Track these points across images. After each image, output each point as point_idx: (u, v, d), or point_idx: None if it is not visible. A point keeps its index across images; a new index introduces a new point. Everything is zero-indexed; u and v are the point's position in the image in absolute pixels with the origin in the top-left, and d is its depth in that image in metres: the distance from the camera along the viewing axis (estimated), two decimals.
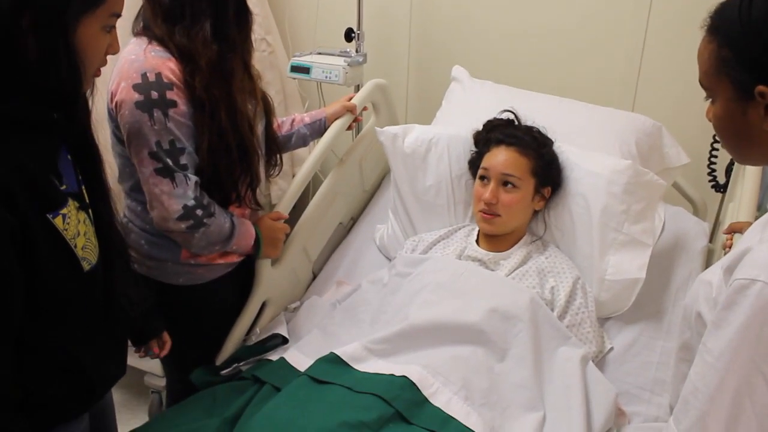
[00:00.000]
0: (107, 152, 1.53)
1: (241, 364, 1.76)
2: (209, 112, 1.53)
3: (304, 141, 2.01)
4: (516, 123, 1.94)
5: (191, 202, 1.53)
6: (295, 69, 2.44)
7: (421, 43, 2.60)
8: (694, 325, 1.13)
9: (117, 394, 2.52)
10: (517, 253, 1.83)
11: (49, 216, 1.07)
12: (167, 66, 1.49)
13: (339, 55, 2.44)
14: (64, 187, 1.14)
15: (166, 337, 1.64)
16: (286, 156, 2.64)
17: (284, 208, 1.89)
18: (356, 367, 1.57)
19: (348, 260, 2.14)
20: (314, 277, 2.14)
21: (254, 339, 1.86)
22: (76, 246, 1.14)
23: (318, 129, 2.01)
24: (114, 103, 1.51)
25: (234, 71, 1.57)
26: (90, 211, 1.21)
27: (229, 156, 1.58)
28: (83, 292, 1.20)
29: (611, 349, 1.75)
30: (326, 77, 2.37)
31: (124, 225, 1.70)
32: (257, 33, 2.63)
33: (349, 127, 2.08)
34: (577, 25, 2.32)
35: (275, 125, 1.93)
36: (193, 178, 1.54)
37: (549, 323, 1.67)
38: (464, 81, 2.27)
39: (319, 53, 2.49)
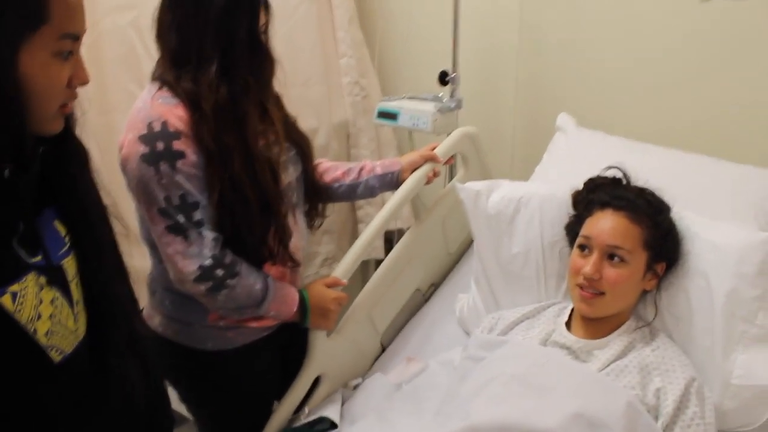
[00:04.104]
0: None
1: None
2: (219, 161, 1.37)
3: (371, 192, 1.81)
4: (624, 182, 1.61)
5: (208, 262, 1.38)
6: (382, 115, 2.24)
7: (528, 87, 2.33)
8: None
9: None
10: (616, 341, 1.49)
11: None
12: (174, 113, 1.36)
13: (431, 101, 2.22)
14: (37, 258, 0.95)
15: None
16: None
17: (343, 273, 1.67)
18: None
19: (422, 333, 1.88)
20: (383, 350, 1.89)
21: (302, 419, 1.64)
22: (36, 332, 0.94)
23: (389, 182, 1.80)
24: (122, 156, 1.39)
25: (248, 115, 1.41)
26: (72, 287, 1.02)
27: (248, 209, 1.41)
28: (54, 388, 1.00)
29: None
30: (414, 124, 2.16)
31: (149, 284, 1.58)
32: (351, 76, 2.48)
33: (428, 181, 1.84)
34: (713, 66, 1.96)
35: (338, 172, 1.77)
36: (211, 234, 1.39)
37: None
38: (569, 131, 1.97)
39: (411, 98, 2.29)
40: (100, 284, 1.07)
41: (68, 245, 1.03)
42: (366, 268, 2.60)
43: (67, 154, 1.02)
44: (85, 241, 1.05)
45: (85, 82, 0.96)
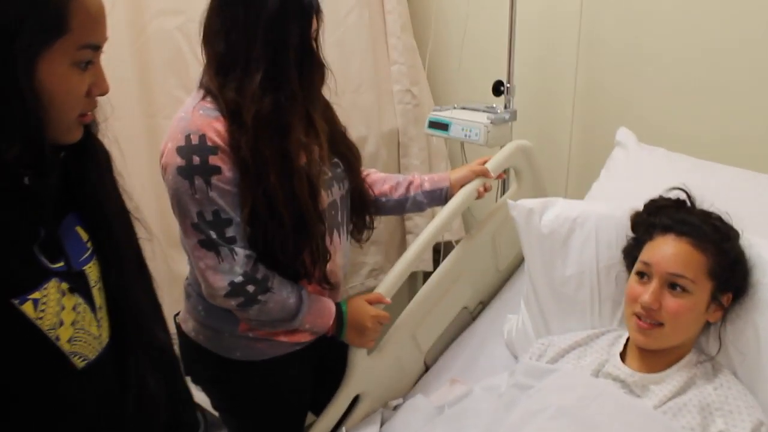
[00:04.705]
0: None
1: None
2: (255, 174, 1.33)
3: (419, 207, 1.75)
4: (689, 205, 1.51)
5: (239, 278, 1.35)
6: (434, 125, 2.18)
7: (587, 99, 2.23)
8: None
9: None
10: (675, 376, 1.39)
11: (15, 302, 0.87)
12: (213, 127, 1.32)
13: (484, 111, 2.14)
14: (59, 264, 0.94)
15: None
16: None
17: (387, 290, 1.61)
18: None
19: (468, 354, 1.80)
20: (426, 369, 1.82)
21: None
22: (58, 339, 0.93)
23: (437, 198, 1.73)
24: (161, 165, 1.36)
25: (292, 126, 1.36)
26: (95, 292, 1.01)
27: (281, 226, 1.36)
28: (76, 394, 0.99)
29: None
30: (466, 136, 2.08)
31: (185, 287, 1.56)
32: (402, 84, 2.42)
33: (479, 196, 1.76)
34: None
35: (386, 186, 1.72)
36: (243, 251, 1.36)
37: None
38: (630, 147, 1.87)
39: (463, 108, 2.22)
40: (121, 289, 1.07)
41: (90, 251, 1.02)
42: (414, 280, 2.54)
43: (88, 160, 1.01)
44: (107, 246, 1.04)
45: (104, 91, 0.94)
